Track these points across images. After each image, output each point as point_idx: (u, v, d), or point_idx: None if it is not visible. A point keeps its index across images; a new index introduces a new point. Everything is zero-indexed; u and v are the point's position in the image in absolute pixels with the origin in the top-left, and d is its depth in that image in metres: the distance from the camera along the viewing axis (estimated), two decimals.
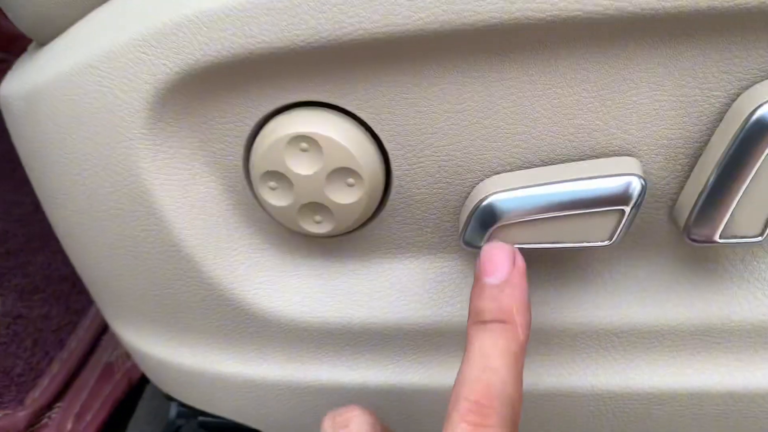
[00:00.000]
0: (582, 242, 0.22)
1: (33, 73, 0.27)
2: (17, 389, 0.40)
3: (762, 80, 0.20)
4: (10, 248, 0.53)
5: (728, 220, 0.21)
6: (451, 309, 0.25)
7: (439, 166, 0.23)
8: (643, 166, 0.22)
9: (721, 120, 0.21)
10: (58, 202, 0.27)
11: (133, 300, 0.28)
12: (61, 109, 0.24)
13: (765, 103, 0.19)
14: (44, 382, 0.40)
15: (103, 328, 0.44)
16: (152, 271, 0.26)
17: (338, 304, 0.26)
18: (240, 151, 0.24)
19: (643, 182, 0.21)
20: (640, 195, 0.21)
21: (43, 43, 0.29)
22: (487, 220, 0.22)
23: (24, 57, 0.32)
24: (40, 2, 0.26)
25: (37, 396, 0.39)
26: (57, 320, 0.44)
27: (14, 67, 0.32)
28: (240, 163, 0.24)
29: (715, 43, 0.20)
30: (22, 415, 0.38)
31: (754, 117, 0.19)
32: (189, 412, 0.33)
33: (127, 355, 0.40)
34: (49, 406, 0.39)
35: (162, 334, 0.29)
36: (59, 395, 0.39)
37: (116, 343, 0.42)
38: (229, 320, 0.26)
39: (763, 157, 0.20)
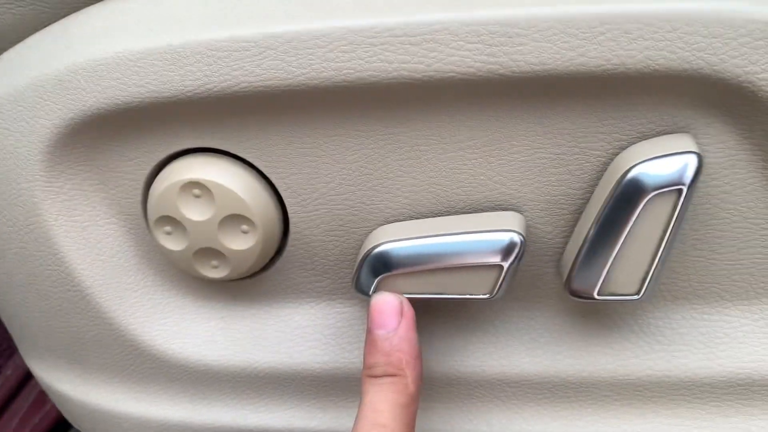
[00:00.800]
0: (465, 294, 0.22)
1: None
2: None
3: (638, 141, 0.20)
4: None
5: (605, 277, 0.21)
6: (349, 356, 0.25)
7: (334, 215, 0.23)
8: (528, 220, 0.22)
9: (600, 178, 0.21)
10: None
11: (43, 337, 0.28)
12: None
13: (639, 163, 0.20)
14: None
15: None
16: (57, 310, 0.26)
17: (239, 348, 0.26)
18: (138, 195, 0.24)
19: (522, 239, 0.21)
20: (519, 251, 0.21)
21: None
22: (377, 268, 0.22)
23: None
24: None
25: None
26: None
27: None
28: (139, 207, 0.24)
29: (592, 106, 0.20)
30: None
31: (628, 177, 0.20)
32: None
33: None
34: None
35: (70, 371, 0.28)
36: None
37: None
38: (132, 360, 0.26)
39: (635, 216, 0.20)
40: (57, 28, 0.23)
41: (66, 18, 0.23)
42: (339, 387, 0.26)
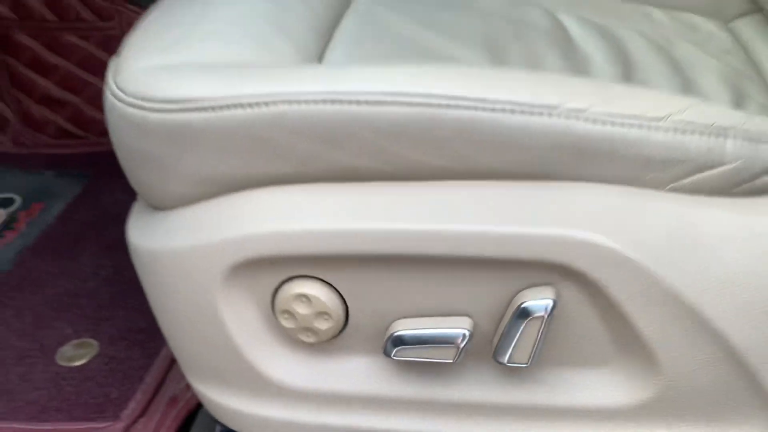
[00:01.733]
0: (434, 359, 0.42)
1: (158, 236, 0.47)
2: (114, 408, 0.61)
3: (528, 288, 0.40)
4: (101, 303, 0.74)
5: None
6: (389, 384, 0.46)
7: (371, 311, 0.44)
8: (474, 323, 0.42)
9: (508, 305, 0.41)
10: (167, 310, 0.48)
11: (202, 364, 0.49)
12: (173, 268, 0.45)
13: (525, 301, 0.40)
14: (132, 404, 0.61)
15: (169, 367, 0.65)
16: (222, 352, 0.47)
17: (324, 378, 0.46)
18: (269, 298, 0.45)
19: (470, 333, 0.41)
20: (468, 340, 0.41)
21: (156, 207, 0.50)
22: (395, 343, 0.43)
23: (141, 207, 0.53)
24: (174, 190, 0.46)
25: (128, 413, 0.60)
26: (138, 361, 0.65)
27: (136, 211, 0.53)
28: (270, 303, 0.45)
29: (499, 277, 0.40)
30: (119, 426, 0.59)
31: (520, 307, 0.40)
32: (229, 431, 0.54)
33: (187, 388, 0.61)
34: (135, 420, 0.60)
35: (216, 386, 0.49)
36: (141, 414, 0.60)
37: (179, 378, 0.62)
38: (260, 384, 0.47)
39: (521, 328, 0.40)
40: (229, 202, 0.44)
41: (238, 194, 0.43)
42: (385, 405, 0.46)
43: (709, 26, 0.72)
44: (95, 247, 0.84)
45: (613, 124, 0.39)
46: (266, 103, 0.41)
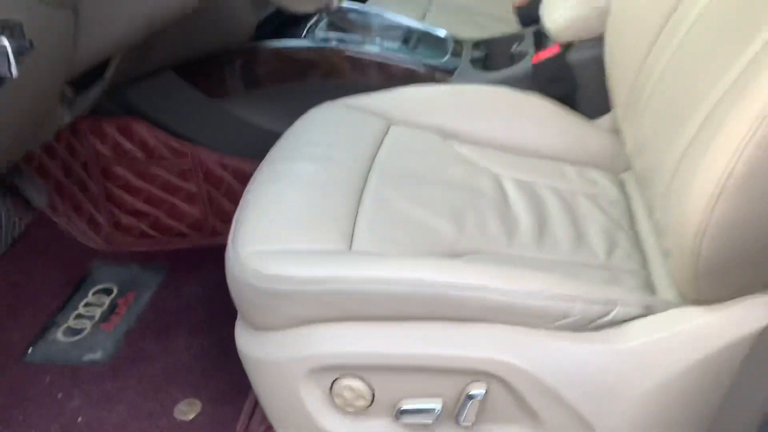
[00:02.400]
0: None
1: (259, 349, 0.81)
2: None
3: (473, 383, 0.74)
4: (196, 373, 1.08)
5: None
6: None
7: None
8: (444, 402, 0.76)
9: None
10: (266, 391, 0.82)
11: (289, 423, 0.83)
12: (271, 370, 0.79)
13: (471, 390, 0.74)
14: None
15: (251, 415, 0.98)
16: (297, 416, 0.80)
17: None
18: (328, 387, 0.78)
19: (441, 407, 0.75)
20: (440, 411, 0.75)
21: (256, 328, 0.84)
22: None
23: (243, 324, 0.87)
24: (271, 322, 0.80)
25: None
26: (230, 414, 1.00)
27: (239, 327, 0.87)
28: (328, 390, 0.79)
29: (454, 372, 0.74)
30: None
31: (467, 393, 0.74)
32: None
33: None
34: None
35: None
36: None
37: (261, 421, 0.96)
38: None
39: (467, 407, 0.74)
40: (307, 331, 0.78)
41: (311, 326, 0.77)
42: None
43: (604, 180, 1.07)
44: (184, 329, 1.18)
45: (515, 296, 0.73)
46: (326, 281, 0.76)
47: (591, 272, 0.85)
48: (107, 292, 1.30)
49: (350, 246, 0.83)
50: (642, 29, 1.00)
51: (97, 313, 1.24)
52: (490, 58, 1.32)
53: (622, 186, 1.07)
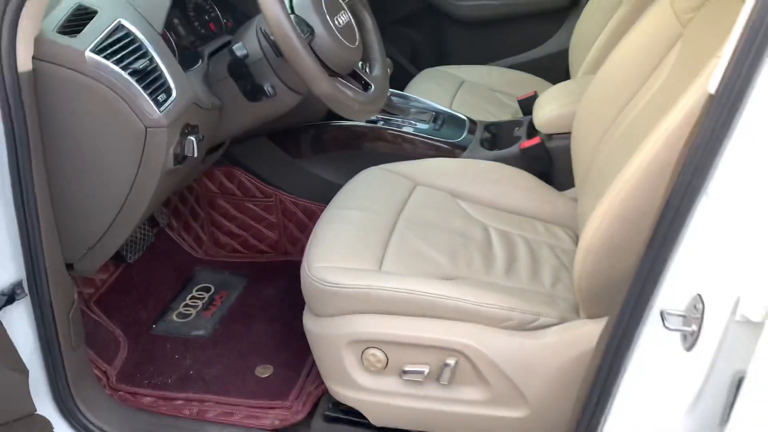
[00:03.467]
0: None
1: (321, 327, 1.28)
2: (284, 396, 1.42)
3: (449, 357, 1.19)
4: (271, 348, 1.56)
5: None
6: None
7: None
8: (431, 368, 1.21)
9: None
10: (321, 357, 1.28)
11: (335, 377, 1.29)
12: (322, 340, 1.26)
13: (446, 360, 1.19)
14: (293, 392, 1.42)
15: (308, 375, 1.45)
16: (340, 372, 1.27)
17: (379, 383, 1.26)
18: (360, 353, 1.24)
19: (428, 370, 1.20)
20: (428, 373, 1.20)
21: (316, 314, 1.31)
22: None
23: (307, 310, 1.34)
24: (326, 312, 1.28)
25: (291, 396, 1.41)
26: (293, 375, 1.47)
27: (306, 312, 1.35)
28: (360, 355, 1.25)
29: (436, 349, 1.20)
30: (287, 403, 1.40)
31: (445, 363, 1.19)
32: None
33: (318, 386, 1.41)
34: (295, 399, 1.41)
35: None
36: (297, 397, 1.41)
37: (315, 381, 1.43)
38: (353, 383, 1.26)
39: (444, 372, 1.19)
40: (348, 319, 1.24)
41: (351, 316, 1.24)
42: (397, 397, 1.25)
43: (564, 235, 1.51)
44: (262, 319, 1.66)
45: (478, 305, 1.19)
46: (363, 287, 1.23)
47: (535, 296, 1.30)
48: (207, 290, 1.79)
49: (380, 267, 1.30)
50: (595, 127, 1.45)
51: (200, 304, 1.74)
52: (496, 138, 1.79)
53: (576, 240, 1.51)
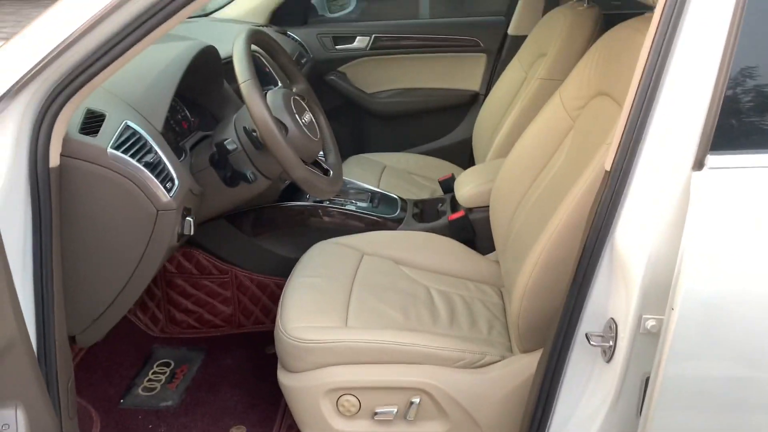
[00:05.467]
0: None
1: (293, 381, 1.46)
2: None
3: (413, 396, 1.41)
4: (237, 412, 1.69)
5: None
6: None
7: None
8: (398, 408, 1.42)
9: None
10: (296, 408, 1.46)
11: (312, 425, 1.46)
12: (301, 393, 1.44)
13: (412, 399, 1.40)
14: None
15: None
16: (315, 419, 1.44)
17: (354, 426, 1.44)
18: (335, 400, 1.43)
19: (396, 411, 1.41)
20: (396, 413, 1.41)
21: (289, 371, 1.49)
22: None
23: (281, 367, 1.52)
24: (300, 367, 1.46)
25: None
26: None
27: (280, 368, 1.52)
28: (335, 402, 1.43)
29: (400, 391, 1.41)
30: None
31: (411, 401, 1.40)
32: None
33: None
34: None
35: None
36: None
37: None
38: (329, 429, 1.44)
39: (410, 410, 1.40)
40: (325, 371, 1.43)
41: (328, 368, 1.43)
42: None
43: (491, 291, 1.80)
44: (226, 384, 1.80)
45: (433, 349, 1.42)
46: (334, 341, 1.43)
47: (477, 340, 1.55)
48: (167, 364, 1.91)
49: (346, 324, 1.51)
50: (510, 200, 1.77)
51: (162, 378, 1.85)
52: (424, 213, 2.08)
53: (501, 294, 1.80)
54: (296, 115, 1.48)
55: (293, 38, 2.63)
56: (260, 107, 1.32)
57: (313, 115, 1.65)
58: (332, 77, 2.74)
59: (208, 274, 1.97)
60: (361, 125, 2.84)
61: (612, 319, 1.13)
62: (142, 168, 1.24)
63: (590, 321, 1.16)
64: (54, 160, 1.16)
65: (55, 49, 1.10)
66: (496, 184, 1.85)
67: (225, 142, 1.43)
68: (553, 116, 1.71)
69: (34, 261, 1.17)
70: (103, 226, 1.25)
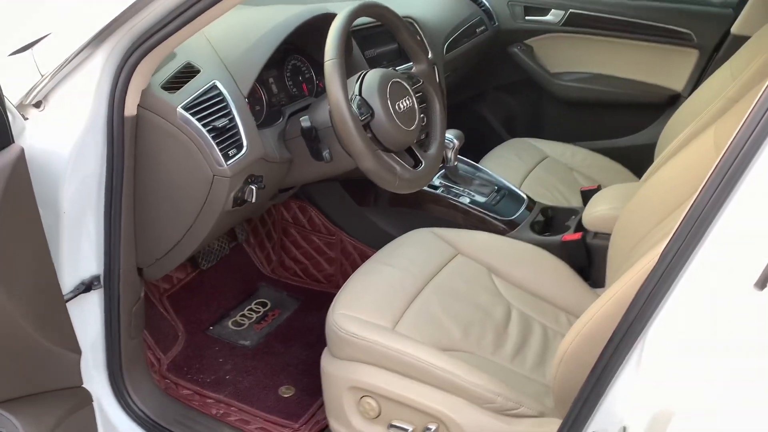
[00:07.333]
0: None
1: (332, 368, 1.45)
2: (298, 416, 1.60)
3: (420, 424, 1.32)
4: (299, 370, 1.75)
5: None
6: None
7: None
8: (414, 427, 1.34)
9: None
10: (328, 392, 1.45)
11: (336, 416, 1.45)
12: (334, 386, 1.42)
13: (428, 426, 1.31)
14: (305, 416, 1.59)
15: (320, 406, 1.63)
16: (340, 413, 1.42)
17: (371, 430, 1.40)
18: (358, 399, 1.40)
19: (412, 429, 1.33)
20: None
21: (334, 356, 1.48)
22: None
23: (326, 352, 1.52)
24: (343, 355, 1.45)
25: (303, 419, 1.59)
26: (312, 398, 1.65)
27: (324, 353, 1.52)
28: (357, 402, 1.40)
29: (419, 413, 1.32)
30: (298, 424, 1.58)
31: (426, 427, 1.31)
32: None
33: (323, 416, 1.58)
34: (305, 423, 1.59)
35: None
36: (306, 421, 1.59)
37: (322, 413, 1.60)
38: (352, 428, 1.42)
39: None
40: (355, 366, 1.40)
41: (359, 363, 1.40)
42: None
43: (558, 312, 1.58)
44: (301, 342, 1.86)
45: (468, 384, 1.30)
46: (373, 342, 1.38)
47: (529, 385, 1.39)
48: (264, 305, 2.02)
49: (394, 327, 1.44)
50: (630, 235, 1.51)
51: (254, 317, 1.97)
52: (548, 222, 1.88)
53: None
54: (389, 100, 1.39)
55: (479, 2, 2.47)
56: (336, 88, 1.26)
57: (426, 101, 1.54)
58: (516, 49, 2.53)
59: (318, 232, 2.01)
60: (536, 106, 2.61)
61: (624, 428, 0.93)
62: (205, 132, 1.27)
63: (602, 419, 0.97)
64: (130, 110, 1.24)
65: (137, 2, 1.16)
66: (623, 213, 1.59)
67: (302, 120, 1.40)
68: (704, 152, 1.40)
69: (105, 198, 1.28)
70: (168, 177, 1.32)
